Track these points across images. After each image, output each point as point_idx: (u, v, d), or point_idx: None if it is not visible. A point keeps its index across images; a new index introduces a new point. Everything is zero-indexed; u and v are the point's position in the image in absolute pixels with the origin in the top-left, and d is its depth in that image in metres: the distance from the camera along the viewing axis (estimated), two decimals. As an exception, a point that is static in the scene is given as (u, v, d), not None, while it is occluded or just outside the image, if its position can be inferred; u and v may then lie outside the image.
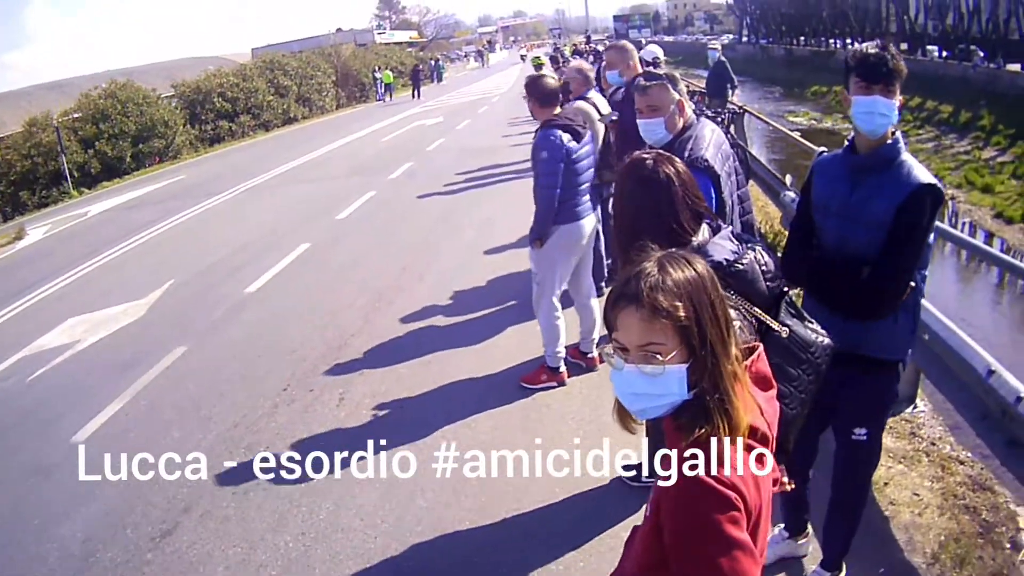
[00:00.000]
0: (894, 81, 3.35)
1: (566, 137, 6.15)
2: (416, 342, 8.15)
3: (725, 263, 2.65)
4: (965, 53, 34.47)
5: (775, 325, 2.66)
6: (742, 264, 2.69)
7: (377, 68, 55.76)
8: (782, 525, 4.29)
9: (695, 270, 1.87)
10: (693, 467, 1.80)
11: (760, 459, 1.88)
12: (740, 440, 1.85)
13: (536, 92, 6.32)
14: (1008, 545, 4.47)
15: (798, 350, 2.73)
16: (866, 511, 4.50)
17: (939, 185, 3.36)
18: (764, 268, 2.77)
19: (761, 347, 2.06)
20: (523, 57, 36.82)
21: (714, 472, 1.78)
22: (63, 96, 40.50)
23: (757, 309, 2.62)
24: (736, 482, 1.78)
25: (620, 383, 1.92)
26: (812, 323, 2.88)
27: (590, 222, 6.51)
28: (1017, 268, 6.76)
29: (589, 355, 6.91)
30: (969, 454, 5.39)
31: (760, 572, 1.88)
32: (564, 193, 6.25)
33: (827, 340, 2.86)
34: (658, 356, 1.82)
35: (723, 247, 2.72)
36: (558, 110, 6.34)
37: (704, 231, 2.80)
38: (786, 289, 2.89)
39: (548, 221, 6.29)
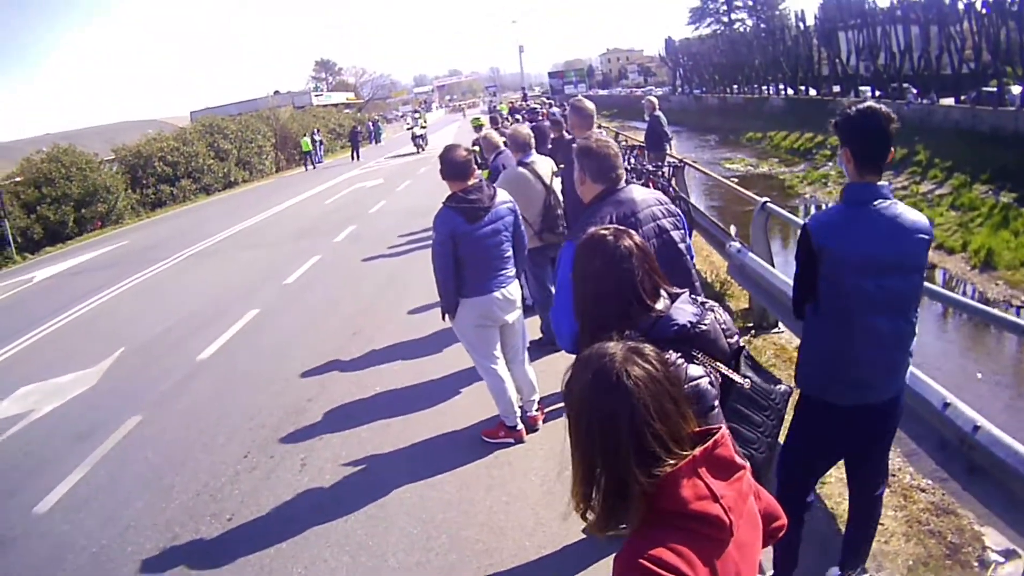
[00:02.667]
0: None
1: (458, 220, 6.32)
2: (374, 405, 8.20)
3: (689, 325, 2.78)
4: (898, 91, 35.48)
5: (737, 378, 2.84)
6: (704, 325, 2.83)
7: (316, 130, 55.69)
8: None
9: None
10: (632, 550, 1.89)
11: (710, 541, 1.93)
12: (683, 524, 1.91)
13: (443, 166, 6.49)
14: (976, 563, 4.69)
15: (760, 398, 2.93)
16: (832, 544, 4.73)
17: (807, 225, 3.80)
18: (724, 326, 2.93)
19: (723, 431, 2.07)
20: (418, 142, 29.84)
21: (653, 553, 1.86)
22: (2, 160, 40.20)
23: (721, 365, 2.81)
24: (678, 564, 1.85)
25: None
26: (768, 373, 3.09)
27: (507, 293, 6.63)
28: (959, 303, 7.08)
29: (529, 414, 7.03)
30: (929, 481, 5.61)
31: None
32: (468, 270, 6.45)
33: (784, 387, 3.07)
34: None
35: (685, 311, 2.84)
36: (472, 181, 6.47)
37: (664, 298, 2.89)
38: (742, 344, 3.05)
39: (446, 295, 6.56)
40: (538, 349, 8.16)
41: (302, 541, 5.80)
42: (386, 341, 10.31)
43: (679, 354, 2.73)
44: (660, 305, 2.85)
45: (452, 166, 6.46)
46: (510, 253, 6.66)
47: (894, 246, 3.68)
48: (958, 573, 4.65)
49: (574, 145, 4.85)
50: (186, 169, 41.94)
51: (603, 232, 2.95)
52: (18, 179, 34.21)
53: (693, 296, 3.01)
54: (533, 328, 8.24)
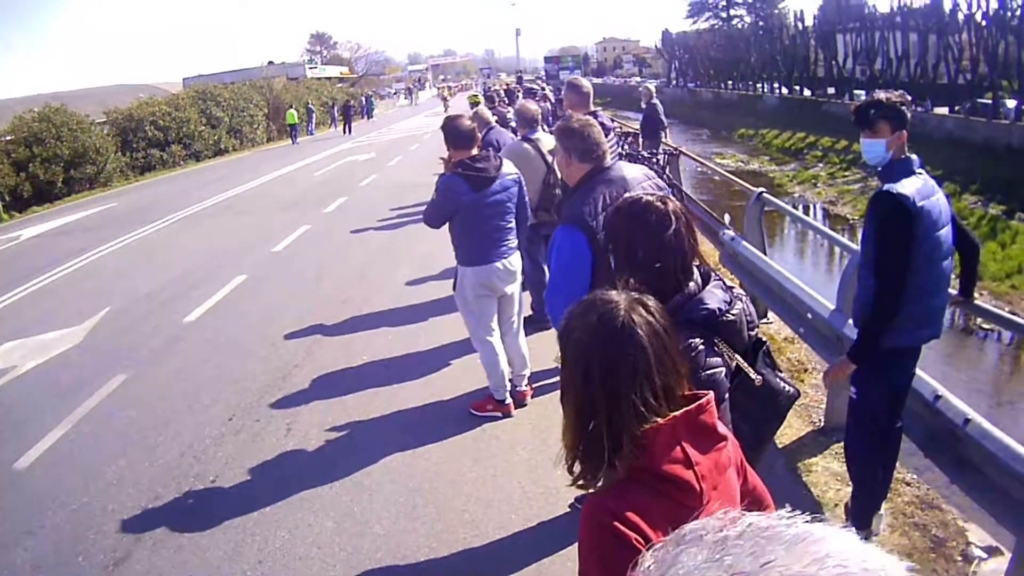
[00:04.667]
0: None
1: (463, 187, 6.29)
2: (361, 374, 8.20)
3: (718, 312, 2.75)
4: (893, 97, 35.45)
5: (752, 373, 2.82)
6: (732, 314, 2.80)
7: (309, 102, 55.51)
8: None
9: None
10: (598, 505, 1.91)
11: (679, 506, 1.85)
12: (650, 484, 1.89)
13: (448, 134, 6.52)
14: (959, 558, 4.81)
15: (766, 397, 2.92)
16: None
17: (893, 191, 4.21)
18: (748, 317, 2.89)
19: (709, 398, 2.03)
20: None
21: (617, 511, 1.85)
22: (-6, 118, 39.77)
23: (739, 357, 2.80)
24: (639, 524, 1.83)
25: None
26: (782, 374, 3.06)
27: (508, 264, 6.63)
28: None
29: (518, 389, 7.06)
30: (914, 475, 5.71)
31: None
32: (471, 239, 6.48)
33: (793, 390, 3.04)
34: None
35: (716, 295, 2.80)
36: (475, 151, 6.50)
37: (696, 278, 2.84)
38: (763, 339, 3.04)
39: (430, 220, 6.62)
40: (529, 326, 8.16)
41: (286, 505, 5.79)
42: (376, 311, 10.30)
43: (701, 340, 2.71)
44: (691, 286, 2.81)
45: (457, 134, 6.48)
46: (513, 224, 6.66)
47: (944, 202, 4.41)
48: (942, 566, 4.72)
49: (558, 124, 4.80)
50: (177, 134, 41.51)
51: (650, 198, 2.86)
52: (9, 137, 33.71)
53: (719, 279, 2.96)
54: (525, 304, 8.19)
